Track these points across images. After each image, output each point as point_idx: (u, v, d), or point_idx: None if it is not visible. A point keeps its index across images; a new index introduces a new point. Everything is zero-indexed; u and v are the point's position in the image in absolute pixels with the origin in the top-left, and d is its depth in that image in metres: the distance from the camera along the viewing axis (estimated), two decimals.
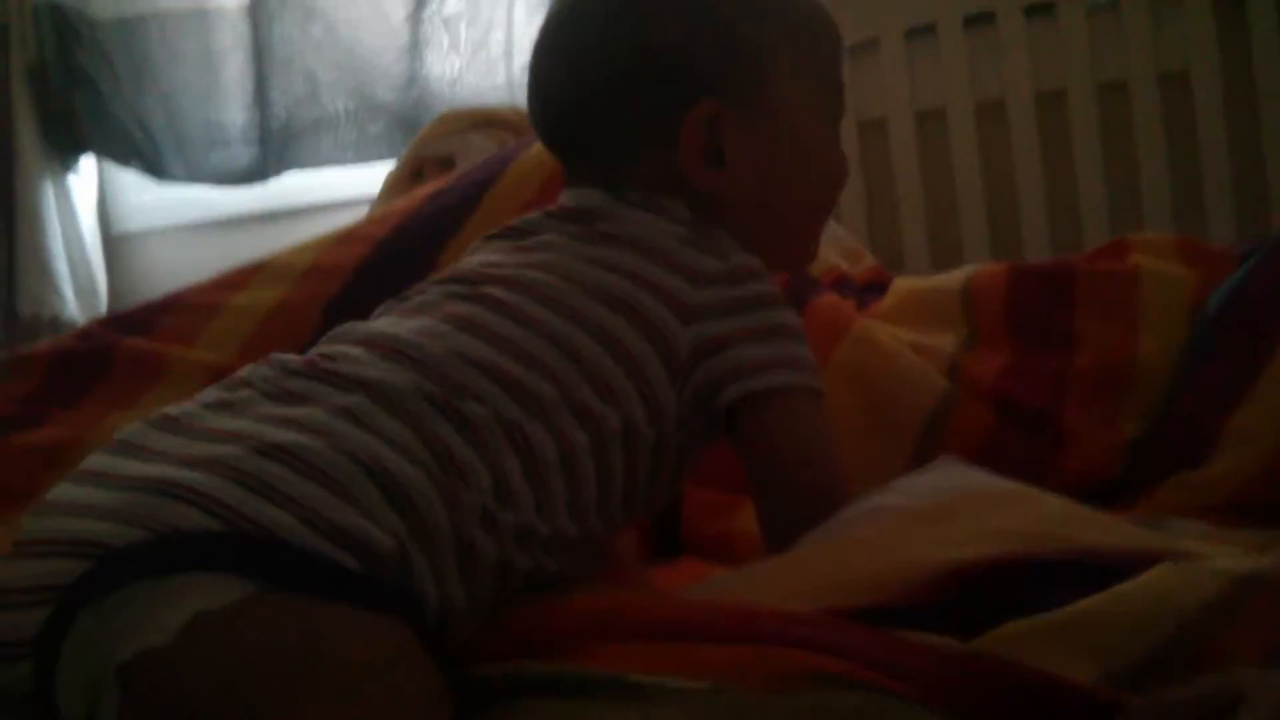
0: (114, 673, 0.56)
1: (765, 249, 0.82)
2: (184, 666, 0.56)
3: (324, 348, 0.74)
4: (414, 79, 1.95)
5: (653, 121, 0.82)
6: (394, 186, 1.51)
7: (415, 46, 1.95)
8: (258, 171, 2.03)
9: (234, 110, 2.02)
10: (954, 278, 1.22)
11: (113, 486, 0.61)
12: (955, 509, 0.70)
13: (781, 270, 0.93)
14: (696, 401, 0.77)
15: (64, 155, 2.11)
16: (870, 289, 1.29)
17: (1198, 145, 1.78)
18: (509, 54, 1.95)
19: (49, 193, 2.08)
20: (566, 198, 0.85)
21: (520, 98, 1.94)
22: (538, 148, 1.31)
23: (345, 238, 1.24)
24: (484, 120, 1.55)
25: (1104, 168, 1.81)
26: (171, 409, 0.69)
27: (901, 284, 1.25)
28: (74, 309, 2.11)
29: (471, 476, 0.66)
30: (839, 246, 1.40)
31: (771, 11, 0.83)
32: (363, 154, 1.96)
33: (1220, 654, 0.58)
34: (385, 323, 0.76)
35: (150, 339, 1.25)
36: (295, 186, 2.05)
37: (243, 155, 2.04)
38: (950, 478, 0.75)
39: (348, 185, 1.98)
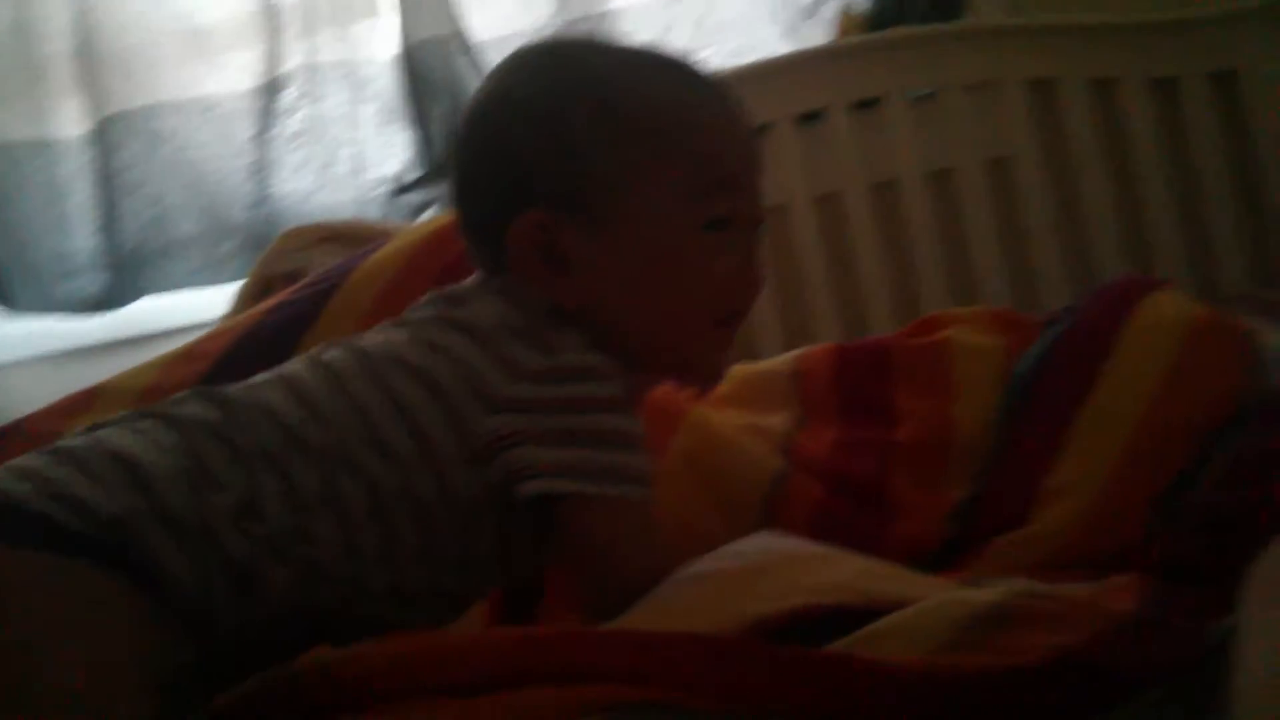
0: None
1: (651, 358, 0.86)
2: None
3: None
4: (264, 198, 1.96)
5: (491, 219, 0.88)
6: (242, 304, 1.51)
7: (263, 166, 1.96)
8: (109, 299, 2.01)
9: (82, 238, 2.00)
10: (785, 360, 1.27)
11: None
12: (768, 568, 0.73)
13: (689, 384, 0.93)
14: (506, 488, 0.80)
15: None
16: None
17: (1025, 224, 1.87)
18: (358, 170, 1.97)
19: None
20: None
21: (370, 212, 1.96)
22: (376, 257, 1.33)
23: (185, 356, 1.24)
24: (329, 235, 1.56)
25: (939, 249, 1.89)
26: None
27: (737, 369, 1.29)
28: None
29: (225, 482, 0.75)
30: None
31: (632, 132, 0.85)
32: (215, 275, 1.96)
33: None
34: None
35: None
36: (151, 311, 2.03)
37: (94, 283, 2.02)
38: (766, 542, 0.78)
39: (204, 308, 1.97)
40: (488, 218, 0.88)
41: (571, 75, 0.88)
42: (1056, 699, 0.61)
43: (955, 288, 1.88)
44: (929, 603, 0.65)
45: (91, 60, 1.97)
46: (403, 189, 2.04)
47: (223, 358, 1.22)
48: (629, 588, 0.78)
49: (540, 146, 0.86)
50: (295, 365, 0.86)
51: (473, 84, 1.99)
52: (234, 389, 0.83)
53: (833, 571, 0.71)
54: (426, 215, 2.03)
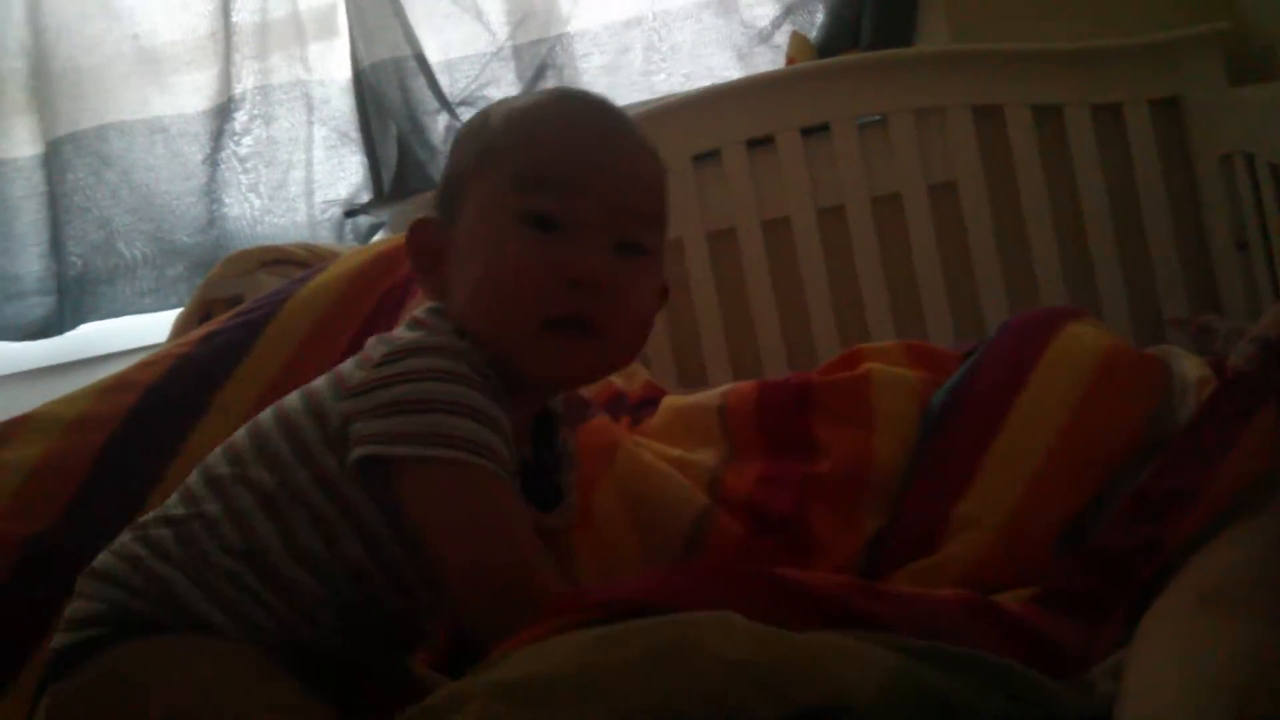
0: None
1: (497, 355, 0.88)
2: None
3: None
4: (213, 220, 1.96)
5: None
6: (181, 329, 1.51)
7: (213, 188, 1.96)
8: (54, 324, 2.00)
9: (28, 261, 2.00)
10: (713, 395, 1.28)
11: None
12: None
13: (521, 385, 0.91)
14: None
15: None
16: (645, 404, 1.33)
17: (969, 250, 1.89)
18: (309, 192, 1.98)
19: None
20: None
21: (321, 235, 1.97)
22: (312, 284, 1.34)
23: (115, 385, 1.23)
24: (273, 258, 1.57)
25: (883, 274, 1.90)
26: None
27: (669, 401, 1.30)
28: None
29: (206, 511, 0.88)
30: None
31: (470, 136, 0.94)
32: (162, 299, 1.96)
33: None
34: None
35: None
36: (96, 333, 2.03)
37: (38, 307, 2.01)
38: None
39: (149, 331, 1.97)
40: None
41: (485, 112, 0.96)
42: None
43: (900, 311, 1.90)
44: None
45: (44, 80, 1.98)
46: (353, 211, 2.04)
47: (153, 387, 1.22)
48: (482, 571, 0.81)
49: (447, 163, 0.97)
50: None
51: (428, 106, 1.99)
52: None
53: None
54: (378, 237, 2.04)
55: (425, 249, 0.93)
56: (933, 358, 1.26)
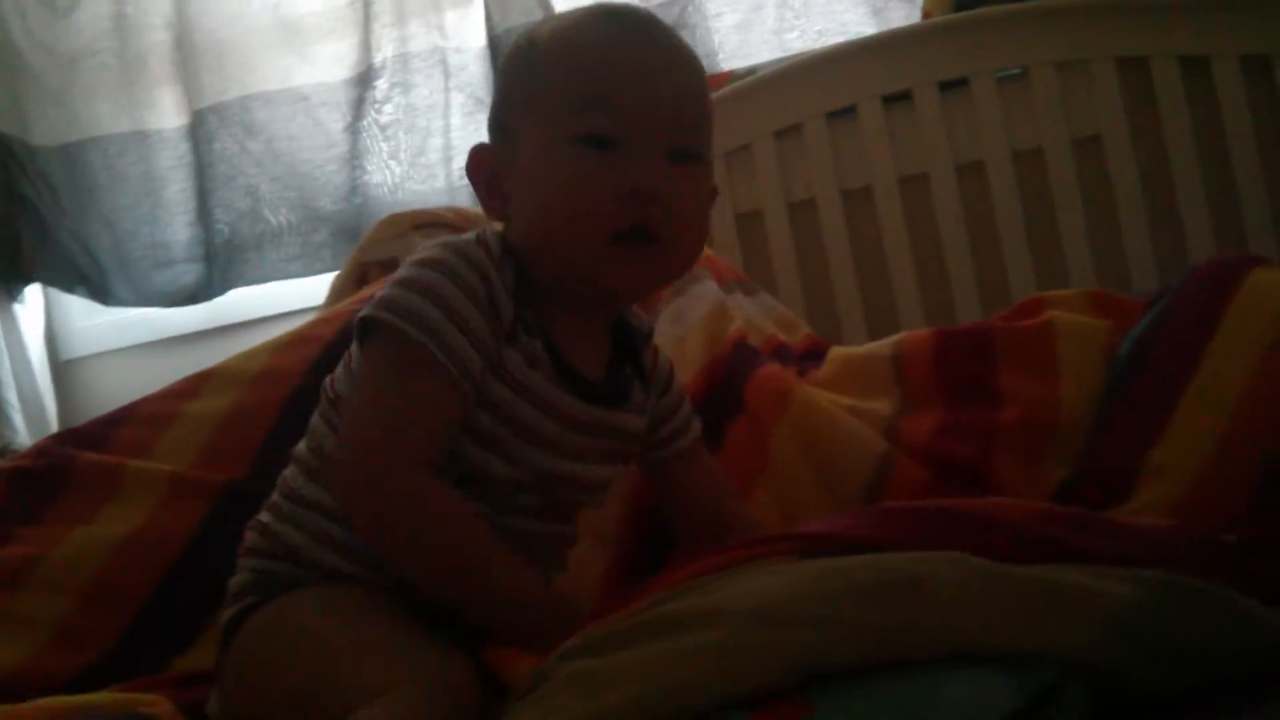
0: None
1: (559, 272, 0.92)
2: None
3: None
4: (355, 188, 1.99)
5: None
6: (339, 292, 1.54)
7: (355, 156, 1.99)
8: (203, 290, 2.05)
9: (177, 229, 2.05)
10: (885, 345, 1.27)
11: None
12: None
13: (592, 301, 0.95)
14: None
15: (10, 285, 2.13)
16: (808, 357, 1.33)
17: (1115, 206, 1.86)
18: (448, 159, 1.99)
19: None
20: None
21: (459, 200, 1.99)
22: None
23: (295, 340, 1.26)
24: (425, 221, 1.58)
25: (1026, 232, 1.87)
26: None
27: (837, 352, 1.29)
28: (24, 438, 2.11)
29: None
30: (774, 316, 1.44)
31: (520, 59, 0.96)
32: (307, 265, 1.99)
33: None
34: None
35: (107, 452, 1.26)
36: (241, 300, 2.07)
37: (188, 274, 2.06)
38: None
39: (293, 296, 2.01)
40: None
41: (528, 33, 0.98)
42: None
43: (1042, 268, 1.87)
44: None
45: (188, 53, 2.02)
46: None
47: (332, 341, 1.25)
48: (356, 442, 0.87)
49: (496, 93, 1.00)
50: None
51: None
52: None
53: None
54: None
55: (485, 174, 0.95)
56: (1115, 306, 1.24)
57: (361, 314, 0.88)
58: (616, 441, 0.96)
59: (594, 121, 0.88)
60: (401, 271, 0.89)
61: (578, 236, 0.89)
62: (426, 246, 0.91)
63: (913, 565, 0.71)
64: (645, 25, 0.96)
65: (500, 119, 0.96)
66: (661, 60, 0.93)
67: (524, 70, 0.94)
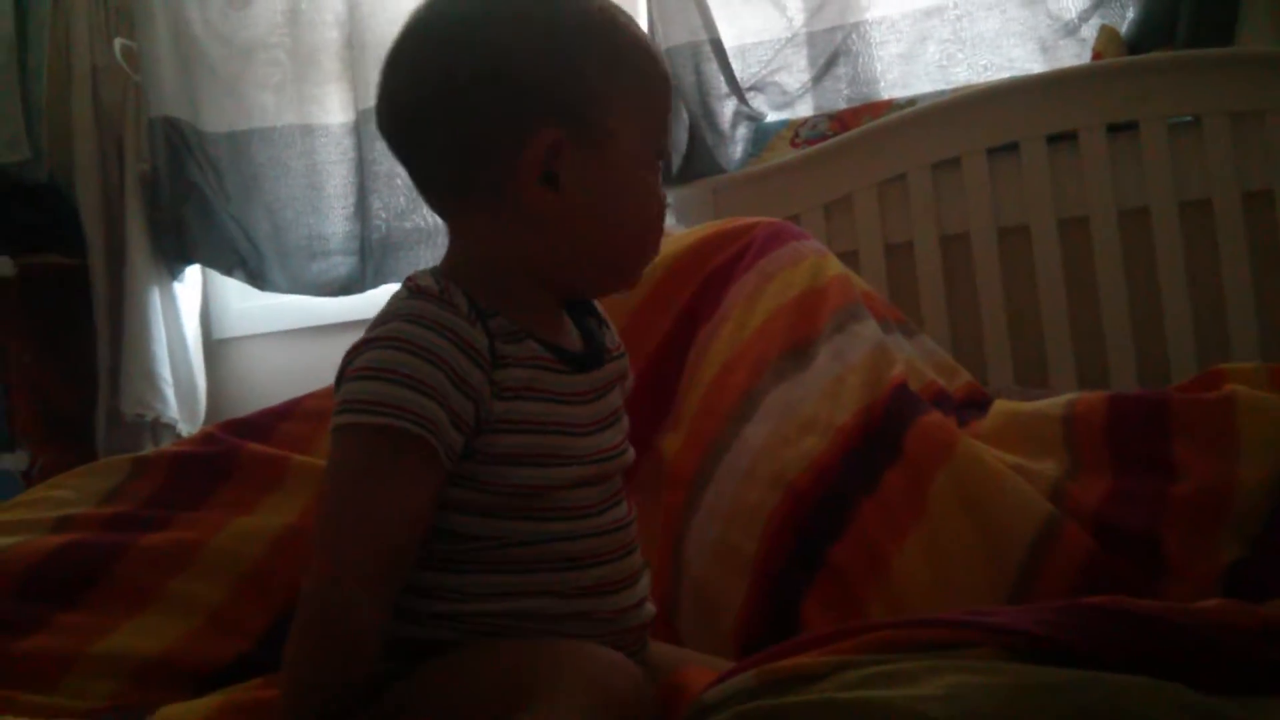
0: None
1: (583, 271, 0.91)
2: None
3: None
4: None
5: (488, 137, 0.87)
6: None
7: None
8: (355, 282, 2.10)
9: (335, 222, 2.10)
10: (1055, 404, 1.25)
11: None
12: None
13: (596, 294, 0.96)
14: None
15: (172, 264, 2.21)
16: (968, 405, 1.31)
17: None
18: None
19: (156, 300, 2.17)
20: None
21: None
22: None
23: None
24: None
25: (1188, 284, 1.82)
26: None
27: (1002, 406, 1.27)
28: (174, 411, 2.19)
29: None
30: (934, 361, 1.42)
31: (617, 59, 0.89)
32: None
33: None
34: None
35: (270, 444, 1.30)
36: (389, 293, 2.11)
37: (342, 266, 2.11)
38: None
39: None
40: (464, 136, 0.87)
41: (600, 24, 0.91)
42: None
43: (1202, 322, 1.81)
44: None
45: (357, 51, 2.07)
46: None
47: None
48: (325, 528, 0.82)
49: (553, 64, 0.87)
50: None
51: (719, 91, 2.00)
52: None
53: None
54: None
55: (546, 158, 0.86)
56: None
57: (339, 422, 0.83)
58: (616, 390, 0.97)
59: (664, 142, 0.94)
60: (369, 359, 0.83)
61: (646, 247, 0.93)
62: (391, 313, 0.87)
63: (1126, 700, 0.68)
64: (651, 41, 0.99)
65: (583, 103, 0.87)
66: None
67: (629, 74, 0.90)
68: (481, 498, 0.85)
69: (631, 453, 0.96)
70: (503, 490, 0.85)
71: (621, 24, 0.92)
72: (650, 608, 0.94)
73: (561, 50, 0.88)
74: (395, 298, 0.89)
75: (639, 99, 0.90)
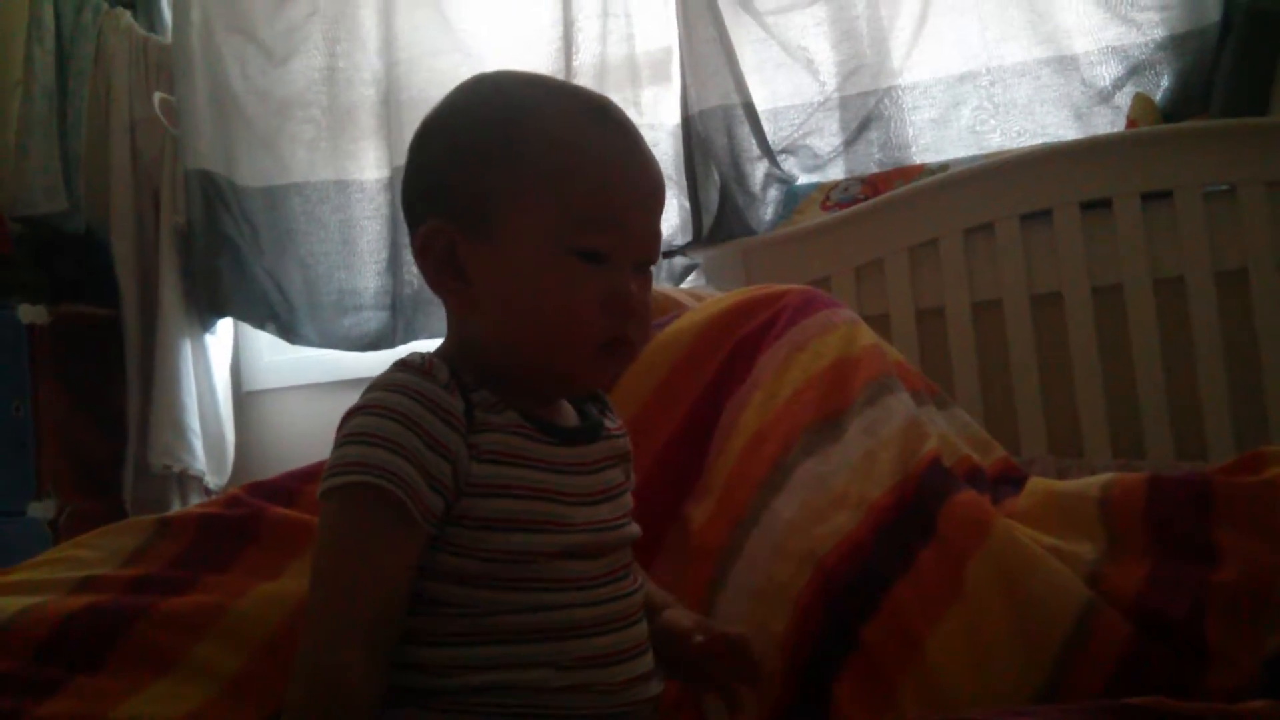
0: None
1: (526, 367, 0.90)
2: None
3: None
4: None
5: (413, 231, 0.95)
6: None
7: None
8: (386, 338, 2.11)
9: (367, 277, 2.11)
10: (1092, 484, 1.22)
11: None
12: None
13: (552, 392, 0.94)
14: None
15: (204, 316, 2.22)
16: (1003, 482, 1.29)
17: None
18: None
19: (187, 351, 2.18)
20: None
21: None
22: (673, 328, 1.36)
23: None
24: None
25: (1224, 355, 1.81)
26: None
27: (1038, 484, 1.25)
28: (202, 463, 2.19)
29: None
30: (967, 435, 1.41)
31: (526, 157, 0.91)
32: None
33: None
34: None
35: (294, 508, 1.29)
36: (424, 350, 2.12)
37: (373, 321, 2.12)
38: None
39: None
40: (411, 225, 0.96)
41: (494, 103, 0.94)
42: None
43: (1239, 391, 1.79)
44: None
45: (393, 109, 2.09)
46: (670, 252, 2.07)
47: None
48: (313, 591, 0.83)
49: (453, 164, 0.93)
50: None
51: (751, 153, 2.01)
52: None
53: None
54: (690, 279, 2.06)
55: (442, 249, 0.91)
56: None
57: (333, 484, 0.84)
58: (617, 469, 0.97)
59: (594, 240, 0.90)
60: (351, 426, 0.86)
61: (570, 345, 0.90)
62: (375, 385, 0.88)
63: None
64: (630, 132, 0.95)
65: (472, 199, 0.91)
66: (652, 180, 0.95)
67: (502, 160, 0.91)
68: (469, 564, 0.86)
69: (635, 528, 0.96)
70: (492, 556, 0.86)
71: (542, 117, 0.92)
72: (658, 685, 0.93)
73: (469, 150, 0.92)
74: (383, 373, 0.91)
75: (535, 186, 0.90)
